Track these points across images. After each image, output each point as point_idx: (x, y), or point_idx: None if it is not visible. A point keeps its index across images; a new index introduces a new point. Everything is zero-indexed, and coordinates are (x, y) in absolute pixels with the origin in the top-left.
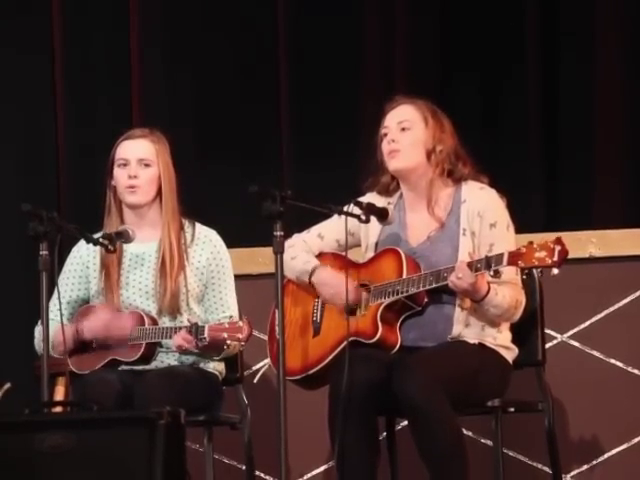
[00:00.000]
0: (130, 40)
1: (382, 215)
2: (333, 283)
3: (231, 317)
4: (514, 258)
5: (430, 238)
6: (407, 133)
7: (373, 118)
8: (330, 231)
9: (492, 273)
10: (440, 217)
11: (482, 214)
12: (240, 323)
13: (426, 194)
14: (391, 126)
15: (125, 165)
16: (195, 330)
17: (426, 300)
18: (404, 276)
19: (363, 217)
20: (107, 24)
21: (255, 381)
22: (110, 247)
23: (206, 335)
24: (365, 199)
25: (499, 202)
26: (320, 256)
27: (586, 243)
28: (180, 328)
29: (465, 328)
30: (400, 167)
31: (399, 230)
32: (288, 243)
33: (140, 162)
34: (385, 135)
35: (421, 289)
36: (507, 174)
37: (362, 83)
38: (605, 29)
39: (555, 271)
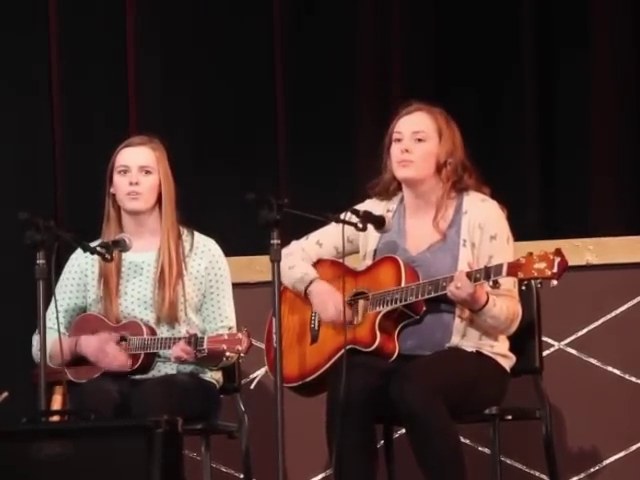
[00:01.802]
0: (127, 48)
1: (379, 223)
2: (323, 299)
3: (230, 328)
4: (513, 269)
5: (431, 248)
6: (421, 144)
7: (370, 125)
8: (329, 238)
9: (491, 284)
10: (442, 229)
11: (483, 226)
12: (239, 335)
13: (433, 207)
14: (405, 133)
15: (126, 172)
16: (194, 341)
17: (424, 309)
18: (402, 284)
19: (360, 225)
20: (104, 33)
21: (252, 387)
22: (107, 256)
23: (205, 347)
24: (364, 206)
25: (500, 214)
26: (318, 263)
27: (583, 250)
28: (179, 339)
29: (463, 337)
30: (410, 177)
31: (398, 237)
32: (286, 251)
33: (141, 169)
34: (397, 140)
35: (420, 298)
36: (504, 182)
37: (358, 89)
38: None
39: (554, 282)
